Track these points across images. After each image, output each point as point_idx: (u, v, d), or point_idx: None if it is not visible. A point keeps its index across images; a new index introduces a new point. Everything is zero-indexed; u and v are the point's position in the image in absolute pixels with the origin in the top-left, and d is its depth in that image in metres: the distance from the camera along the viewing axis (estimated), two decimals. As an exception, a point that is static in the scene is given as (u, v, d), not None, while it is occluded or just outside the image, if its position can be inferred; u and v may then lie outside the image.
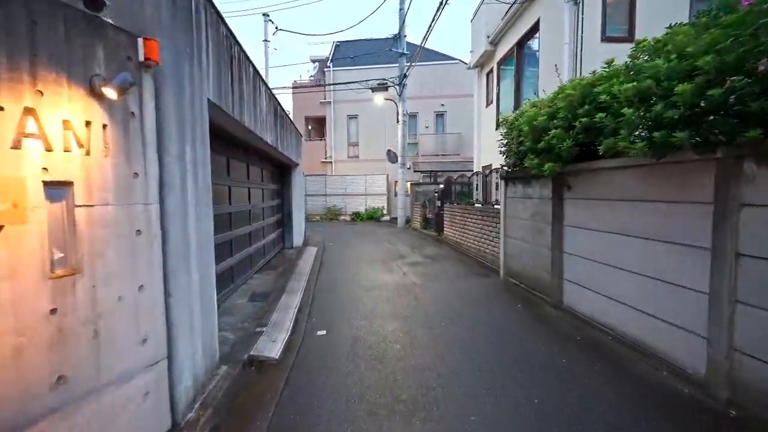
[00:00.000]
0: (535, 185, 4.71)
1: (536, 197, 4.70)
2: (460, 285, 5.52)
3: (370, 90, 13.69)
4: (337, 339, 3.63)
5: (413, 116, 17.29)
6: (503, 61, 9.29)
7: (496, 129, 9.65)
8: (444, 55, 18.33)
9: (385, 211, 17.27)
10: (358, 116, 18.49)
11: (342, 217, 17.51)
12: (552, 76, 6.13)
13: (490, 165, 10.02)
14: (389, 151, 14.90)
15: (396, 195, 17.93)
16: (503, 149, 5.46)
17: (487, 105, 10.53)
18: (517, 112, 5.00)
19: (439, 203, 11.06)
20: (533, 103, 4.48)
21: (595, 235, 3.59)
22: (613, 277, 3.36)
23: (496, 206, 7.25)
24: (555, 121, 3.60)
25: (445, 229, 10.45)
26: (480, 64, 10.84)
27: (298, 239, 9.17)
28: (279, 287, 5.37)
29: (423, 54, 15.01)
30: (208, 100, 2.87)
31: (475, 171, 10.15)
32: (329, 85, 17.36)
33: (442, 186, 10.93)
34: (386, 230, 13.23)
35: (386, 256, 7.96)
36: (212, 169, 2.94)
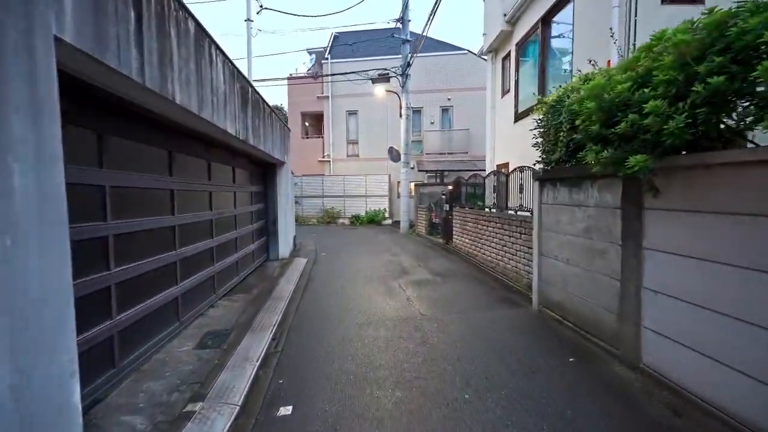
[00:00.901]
0: (589, 188, 3.41)
1: (592, 205, 3.39)
2: (482, 320, 4.22)
3: (371, 81, 12.43)
4: (308, 424, 2.35)
5: (417, 111, 16.01)
6: (523, 43, 7.98)
7: (515, 122, 8.34)
8: (450, 45, 17.03)
9: (386, 214, 15.99)
10: (358, 112, 17.22)
11: (340, 221, 16.25)
12: (592, 52, 4.83)
13: (507, 164, 8.71)
14: (391, 148, 13.62)
15: (399, 197, 16.64)
16: (539, 141, 4.17)
17: (503, 95, 9.22)
18: (563, 87, 3.71)
19: (447, 207, 9.77)
20: (598, 72, 3.19)
21: (706, 267, 2.29)
22: (739, 337, 2.07)
23: (519, 213, 5.95)
24: (645, 90, 2.30)
25: (454, 236, 9.15)
26: (494, 49, 9.52)
27: (284, 249, 7.90)
28: (245, 321, 4.10)
29: (428, 44, 13.74)
30: (58, 39, 1.60)
31: (491, 171, 8.85)
32: (327, 75, 16.10)
33: (450, 187, 9.64)
34: (388, 236, 11.94)
35: (387, 272, 6.68)
36: (142, 167, 1.69)
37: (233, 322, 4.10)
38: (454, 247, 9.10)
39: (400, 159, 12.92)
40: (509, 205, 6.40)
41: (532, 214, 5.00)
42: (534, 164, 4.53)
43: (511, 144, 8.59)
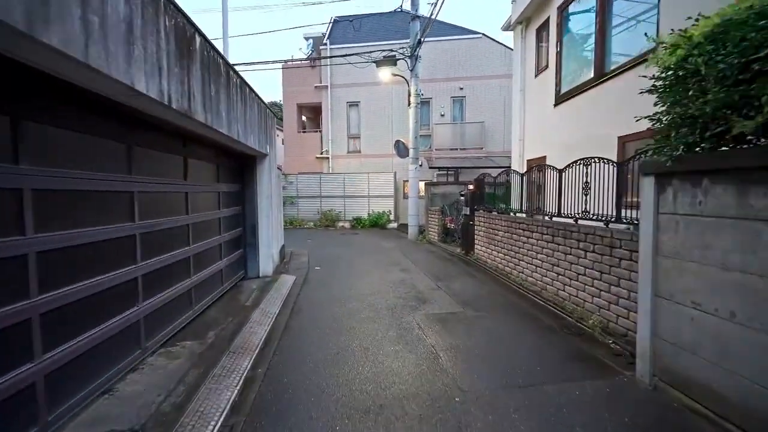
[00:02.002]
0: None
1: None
2: (565, 405, 2.57)
3: (375, 65, 10.79)
4: None
5: (425, 103, 14.35)
6: (569, 4, 6.33)
7: (557, 105, 6.68)
8: (461, 28, 15.36)
9: (391, 217, 14.35)
10: (360, 103, 15.57)
11: (340, 224, 14.62)
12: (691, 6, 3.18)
13: (543, 158, 7.07)
14: (398, 142, 11.97)
15: (405, 197, 15.00)
16: (660, 112, 2.52)
17: (538, 74, 7.57)
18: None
19: (466, 210, 8.12)
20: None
21: None
22: None
23: (581, 222, 4.31)
24: None
25: (477, 246, 7.50)
26: (525, 18, 7.87)
27: (267, 264, 6.27)
28: (174, 407, 2.48)
29: (437, 28, 12.09)
30: None
31: (531, 167, 7.22)
32: (325, 57, 14.44)
33: (471, 187, 7.99)
34: (394, 243, 10.29)
35: (398, 299, 5.04)
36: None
37: (153, 409, 2.46)
38: (476, 259, 7.46)
39: (408, 154, 11.28)
40: (563, 211, 4.75)
41: (632, 227, 3.38)
42: (643, 151, 2.88)
43: (550, 133, 6.94)
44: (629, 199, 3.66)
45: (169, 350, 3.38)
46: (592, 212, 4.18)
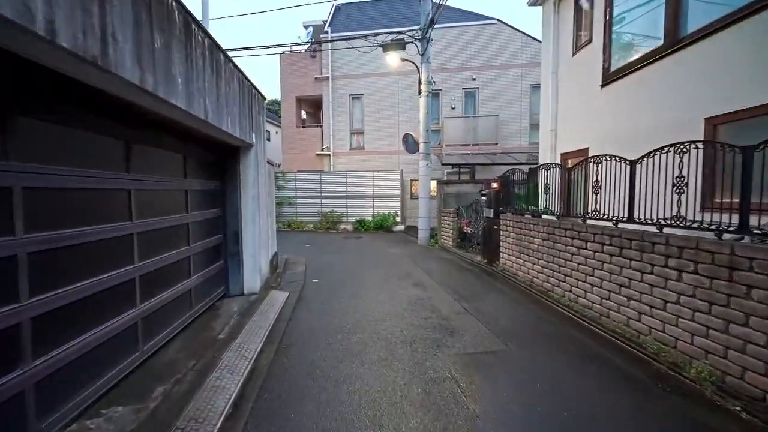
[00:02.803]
0: None
1: None
2: None
3: (381, 49, 9.66)
4: None
5: (435, 95, 13.19)
6: (621, -39, 5.18)
7: (605, 85, 5.53)
8: (474, 14, 14.21)
9: (398, 218, 13.22)
10: (364, 96, 14.45)
11: (342, 226, 13.50)
12: None
13: (585, 150, 5.93)
14: (407, 136, 10.84)
15: (413, 197, 13.89)
16: None
17: (576, 51, 6.42)
18: None
19: (489, 212, 6.99)
20: None
21: None
22: None
23: (665, 230, 3.18)
24: None
25: (503, 254, 6.36)
26: (560, -13, 6.73)
27: (253, 279, 5.15)
28: None
29: (447, 13, 10.97)
30: None
31: (580, 160, 6.11)
32: (327, 41, 13.32)
33: (494, 185, 6.85)
34: (403, 249, 9.15)
35: (416, 329, 3.90)
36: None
37: None
38: (502, 270, 6.32)
39: (417, 150, 10.15)
40: (637, 215, 3.60)
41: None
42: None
43: (595, 120, 5.79)
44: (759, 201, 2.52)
45: (95, 419, 2.26)
46: (688, 218, 3.03)
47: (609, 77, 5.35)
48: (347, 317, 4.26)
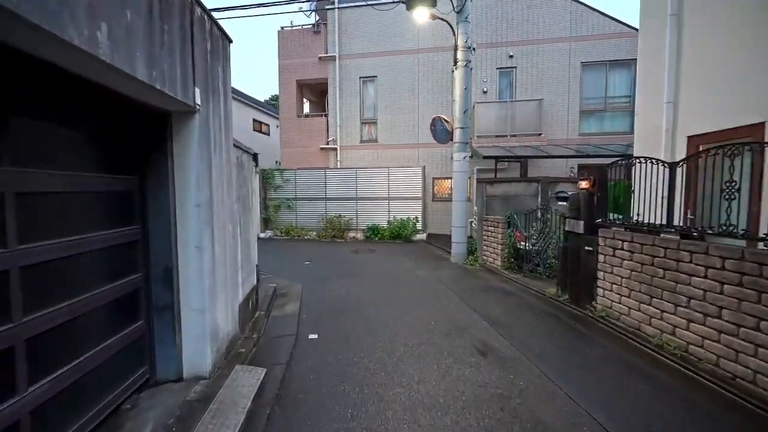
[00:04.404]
0: None
1: None
2: None
3: (404, 5, 7.38)
4: None
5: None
6: None
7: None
8: (512, -21, 11.82)
9: (419, 225, 10.91)
10: (377, 78, 12.16)
11: (351, 234, 11.24)
12: None
13: (761, 126, 3.56)
14: (436, 120, 8.49)
15: (435, 199, 11.56)
16: None
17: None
18: None
19: (576, 225, 4.66)
20: None
21: None
22: None
23: None
24: None
25: (607, 291, 3.99)
26: None
27: (200, 350, 2.87)
28: None
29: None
30: None
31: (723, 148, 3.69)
32: (330, 8, 11.03)
33: (585, 184, 4.51)
34: (435, 271, 6.80)
35: None
36: None
37: None
38: (605, 316, 3.99)
39: (449, 138, 7.85)
40: None
41: None
42: None
43: (748, 84, 3.42)
44: None
45: None
46: None
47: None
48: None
